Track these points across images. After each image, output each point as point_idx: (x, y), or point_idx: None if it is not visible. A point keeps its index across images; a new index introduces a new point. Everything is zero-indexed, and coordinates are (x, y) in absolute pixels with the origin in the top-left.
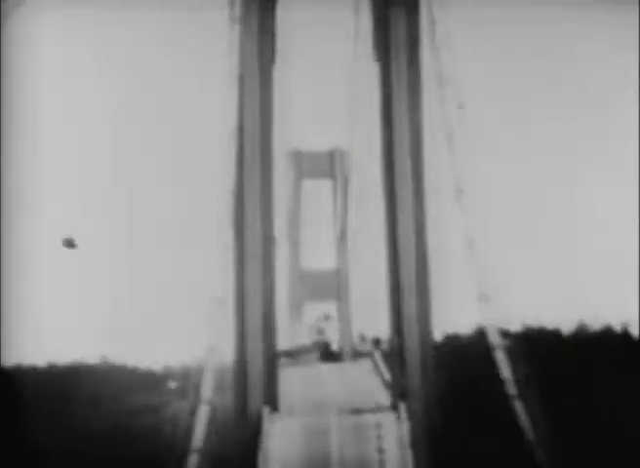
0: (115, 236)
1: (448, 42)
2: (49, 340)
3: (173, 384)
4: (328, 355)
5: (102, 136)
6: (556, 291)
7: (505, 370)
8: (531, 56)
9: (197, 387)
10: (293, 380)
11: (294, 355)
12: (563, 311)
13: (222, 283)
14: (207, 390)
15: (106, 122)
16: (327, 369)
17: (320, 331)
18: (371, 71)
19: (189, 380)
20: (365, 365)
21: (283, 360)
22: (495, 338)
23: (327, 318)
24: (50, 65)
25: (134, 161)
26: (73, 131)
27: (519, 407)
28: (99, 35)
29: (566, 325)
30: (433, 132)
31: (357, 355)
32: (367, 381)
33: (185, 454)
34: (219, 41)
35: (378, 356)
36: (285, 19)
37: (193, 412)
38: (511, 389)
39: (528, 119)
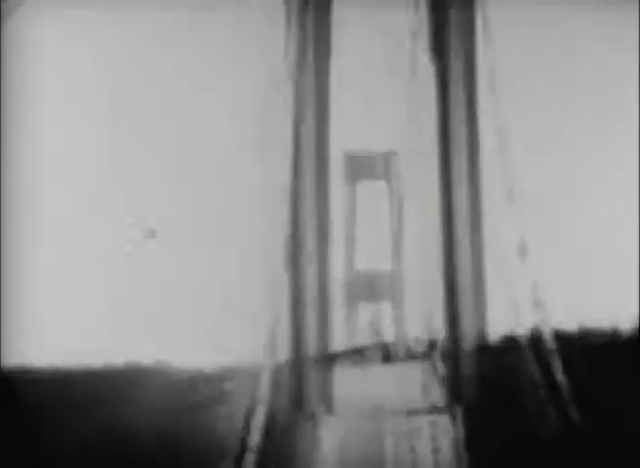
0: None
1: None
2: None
3: (228, 385)
4: (388, 356)
5: (103, 135)
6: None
7: (559, 375)
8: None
9: (253, 388)
10: (349, 381)
11: (352, 356)
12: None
13: (277, 283)
14: (264, 391)
15: (107, 122)
16: (384, 369)
17: (377, 332)
18: (427, 73)
19: (243, 381)
20: (422, 366)
21: (341, 361)
22: (549, 339)
23: (378, 320)
24: (50, 66)
25: (139, 161)
26: (73, 131)
27: (570, 410)
28: (99, 36)
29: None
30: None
31: (413, 356)
32: (423, 383)
33: (241, 455)
34: (220, 41)
35: (435, 357)
36: (341, 18)
37: (249, 414)
38: (565, 393)
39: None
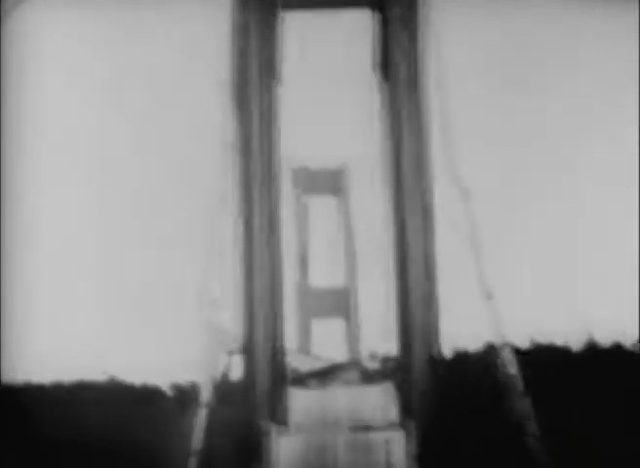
0: (117, 240)
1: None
2: (48, 357)
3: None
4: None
5: (103, 134)
6: (561, 305)
7: (515, 386)
8: (527, 52)
9: (202, 403)
10: (303, 397)
11: (308, 375)
12: (569, 326)
13: (228, 299)
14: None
15: (107, 121)
16: (339, 386)
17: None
18: (375, 87)
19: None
20: (376, 383)
21: (296, 378)
22: (505, 351)
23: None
24: (50, 64)
25: (134, 163)
26: (73, 128)
27: (529, 425)
28: (99, 34)
29: (573, 340)
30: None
31: (368, 374)
32: (379, 399)
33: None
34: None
35: (389, 373)
36: (287, 33)
37: (196, 426)
38: (521, 405)
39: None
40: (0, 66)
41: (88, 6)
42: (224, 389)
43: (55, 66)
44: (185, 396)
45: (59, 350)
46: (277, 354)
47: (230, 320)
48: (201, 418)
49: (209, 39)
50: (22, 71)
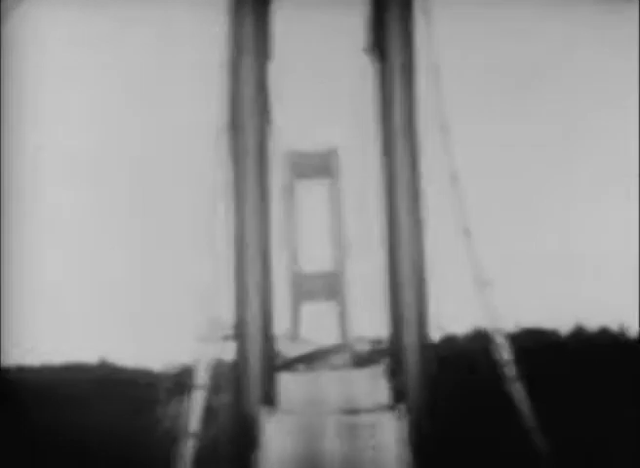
0: (116, 235)
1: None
2: (44, 341)
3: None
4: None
5: (102, 133)
6: (553, 291)
7: (504, 370)
8: (524, 53)
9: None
10: (293, 380)
11: (299, 359)
12: (559, 312)
13: (221, 281)
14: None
15: (106, 119)
16: (329, 370)
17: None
18: (368, 70)
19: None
20: (366, 366)
21: (287, 362)
22: (493, 338)
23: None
24: (50, 63)
25: (132, 159)
26: (73, 128)
27: (521, 402)
28: (99, 34)
29: (563, 325)
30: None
31: (358, 356)
32: (368, 382)
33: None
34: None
35: (379, 356)
36: (280, 16)
37: (190, 408)
38: (510, 388)
39: (521, 119)
40: (0, 66)
41: (88, 6)
42: (218, 373)
43: (54, 66)
44: (181, 379)
45: (57, 336)
46: (268, 339)
47: (224, 305)
48: (196, 400)
49: (203, 28)
50: (22, 71)
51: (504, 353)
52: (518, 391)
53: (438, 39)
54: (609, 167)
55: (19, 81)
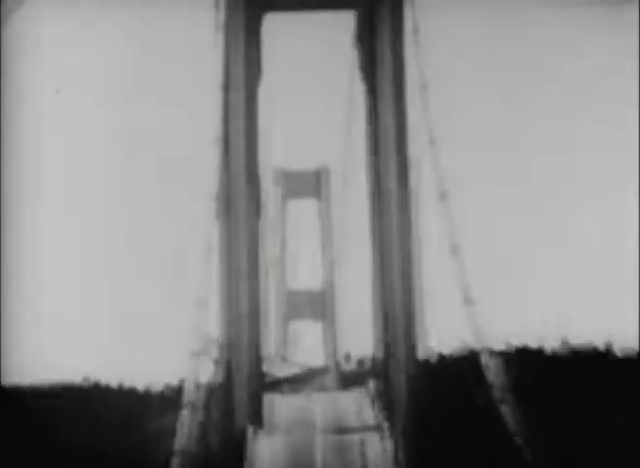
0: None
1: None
2: (30, 359)
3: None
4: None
5: (102, 134)
6: (539, 308)
7: (496, 385)
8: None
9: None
10: (281, 400)
11: (286, 381)
12: (545, 329)
13: (210, 300)
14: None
15: (106, 121)
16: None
17: None
18: (359, 89)
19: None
20: (352, 386)
21: (274, 384)
22: (484, 353)
23: None
24: (49, 63)
25: (131, 164)
26: (73, 129)
27: (510, 420)
28: (98, 35)
29: (549, 343)
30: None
31: (344, 376)
32: (354, 402)
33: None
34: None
35: (367, 376)
36: (271, 34)
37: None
38: (499, 407)
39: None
40: (0, 66)
41: (88, 6)
42: (207, 393)
43: (54, 66)
44: (169, 398)
45: (42, 354)
46: (256, 359)
47: (214, 325)
48: (184, 419)
49: (194, 41)
50: (22, 71)
51: (494, 372)
52: (506, 409)
53: (426, 55)
54: (607, 171)
55: (19, 81)
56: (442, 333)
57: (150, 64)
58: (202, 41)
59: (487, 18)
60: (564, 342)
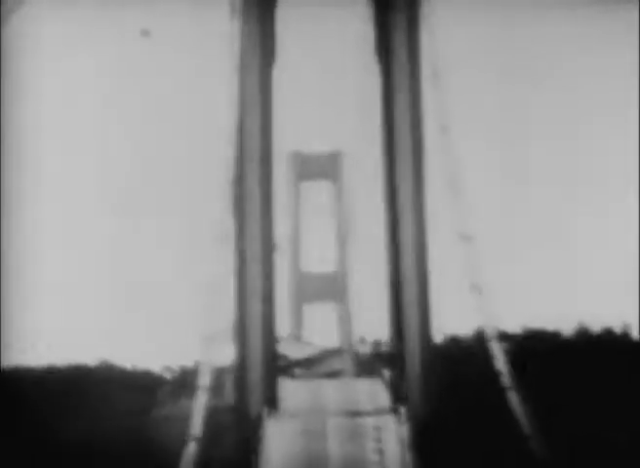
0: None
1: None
2: (48, 342)
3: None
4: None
5: (103, 133)
6: (555, 292)
7: (505, 372)
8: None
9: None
10: (295, 384)
11: (300, 363)
12: (562, 313)
13: (223, 282)
14: (204, 391)
15: (106, 121)
16: (329, 375)
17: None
18: (373, 73)
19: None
20: (367, 368)
21: (288, 367)
22: (494, 340)
23: None
24: (49, 64)
25: (132, 161)
26: (73, 129)
27: (518, 408)
28: (98, 35)
29: (566, 326)
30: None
31: (359, 358)
32: (368, 385)
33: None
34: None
35: (380, 360)
36: (286, 18)
37: (193, 412)
38: (511, 391)
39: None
40: (0, 66)
41: (88, 6)
42: (221, 375)
43: (54, 66)
44: (184, 381)
45: (57, 336)
46: (270, 341)
47: (227, 307)
48: (200, 403)
49: (208, 29)
50: (22, 71)
51: (500, 360)
52: (515, 396)
53: (441, 41)
54: (610, 169)
55: (19, 81)
56: (456, 318)
57: (152, 64)
58: (206, 37)
59: (487, 18)
60: (581, 326)
